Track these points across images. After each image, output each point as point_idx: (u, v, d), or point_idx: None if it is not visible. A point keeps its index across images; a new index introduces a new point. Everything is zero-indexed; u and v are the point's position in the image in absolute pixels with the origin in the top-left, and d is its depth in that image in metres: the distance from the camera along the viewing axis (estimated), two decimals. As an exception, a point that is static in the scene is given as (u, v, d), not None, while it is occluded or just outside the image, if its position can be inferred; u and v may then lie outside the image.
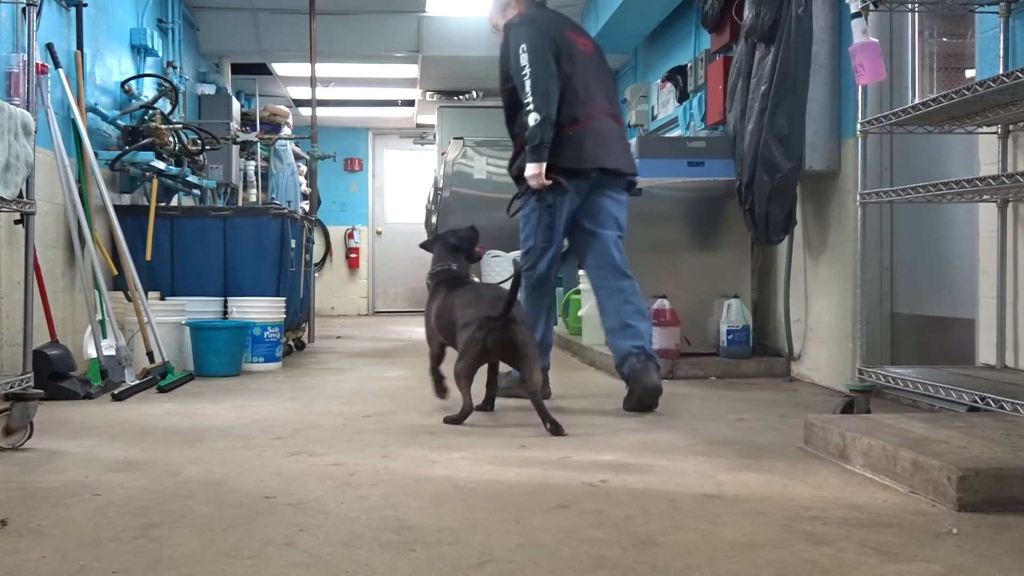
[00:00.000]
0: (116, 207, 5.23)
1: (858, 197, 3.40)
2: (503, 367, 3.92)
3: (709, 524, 2.20)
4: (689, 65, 6.61)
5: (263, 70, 9.93)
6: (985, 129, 3.35)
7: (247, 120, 9.61)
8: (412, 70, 9.84)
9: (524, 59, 4.01)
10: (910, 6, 3.54)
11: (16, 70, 4.44)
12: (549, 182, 4.02)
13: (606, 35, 7.87)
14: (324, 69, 8.68)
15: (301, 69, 8.79)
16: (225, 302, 5.65)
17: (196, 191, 7.05)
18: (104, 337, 4.77)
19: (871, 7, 3.33)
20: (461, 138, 9.75)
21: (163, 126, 5.83)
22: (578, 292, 6.71)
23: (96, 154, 5.17)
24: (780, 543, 2.05)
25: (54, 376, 4.16)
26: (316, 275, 9.10)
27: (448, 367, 4.12)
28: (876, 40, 3.37)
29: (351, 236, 13.06)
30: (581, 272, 6.02)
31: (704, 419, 3.73)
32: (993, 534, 2.11)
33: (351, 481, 2.63)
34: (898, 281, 4.44)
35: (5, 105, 3.01)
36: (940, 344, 4.18)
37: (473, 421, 3.61)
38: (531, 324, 3.83)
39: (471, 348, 3.59)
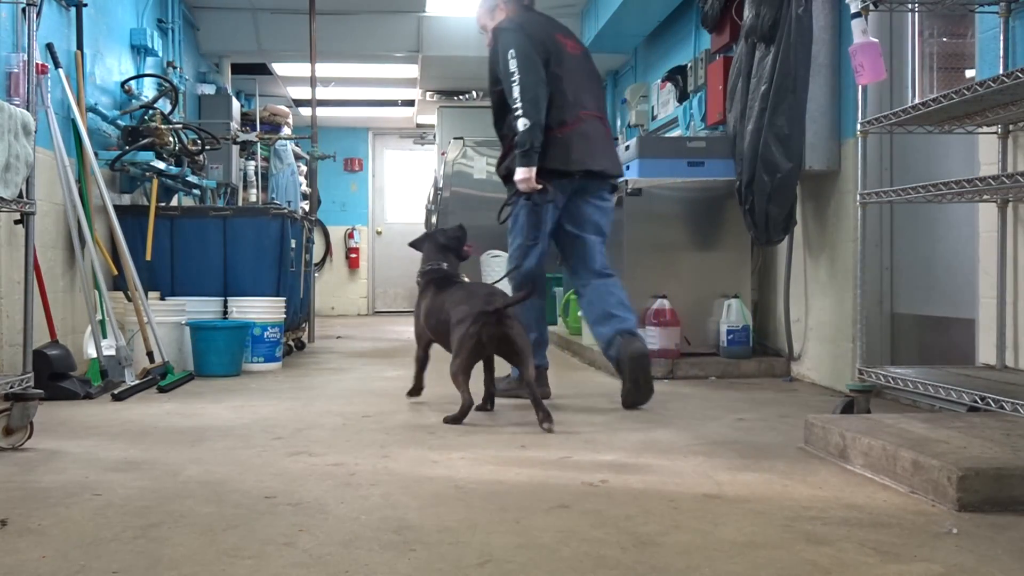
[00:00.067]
0: (116, 207, 5.23)
1: (858, 197, 3.40)
2: (503, 368, 3.92)
3: (709, 524, 2.20)
4: (689, 65, 6.61)
5: (263, 70, 9.93)
6: (985, 129, 3.35)
7: (247, 120, 9.61)
8: (412, 70, 9.84)
9: (513, 65, 4.03)
10: (910, 6, 3.54)
11: (16, 70, 4.44)
12: (539, 186, 4.04)
13: (606, 35, 7.87)
14: (324, 69, 8.68)
15: (301, 69, 8.79)
16: (225, 302, 5.65)
17: (196, 191, 7.05)
18: (104, 337, 4.77)
19: (871, 7, 3.33)
20: (461, 138, 9.75)
21: (163, 126, 5.84)
22: (578, 292, 6.71)
23: (96, 154, 5.17)
24: (780, 543, 2.05)
25: (54, 376, 4.16)
26: (316, 275, 9.10)
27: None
28: (876, 40, 3.37)
29: (351, 236, 13.05)
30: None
31: (704, 419, 3.73)
32: (993, 534, 2.11)
33: (351, 481, 2.63)
34: (898, 281, 4.44)
35: (5, 105, 3.01)
36: (940, 344, 4.18)
37: (473, 421, 3.61)
38: (524, 322, 3.84)
39: (466, 343, 3.60)
